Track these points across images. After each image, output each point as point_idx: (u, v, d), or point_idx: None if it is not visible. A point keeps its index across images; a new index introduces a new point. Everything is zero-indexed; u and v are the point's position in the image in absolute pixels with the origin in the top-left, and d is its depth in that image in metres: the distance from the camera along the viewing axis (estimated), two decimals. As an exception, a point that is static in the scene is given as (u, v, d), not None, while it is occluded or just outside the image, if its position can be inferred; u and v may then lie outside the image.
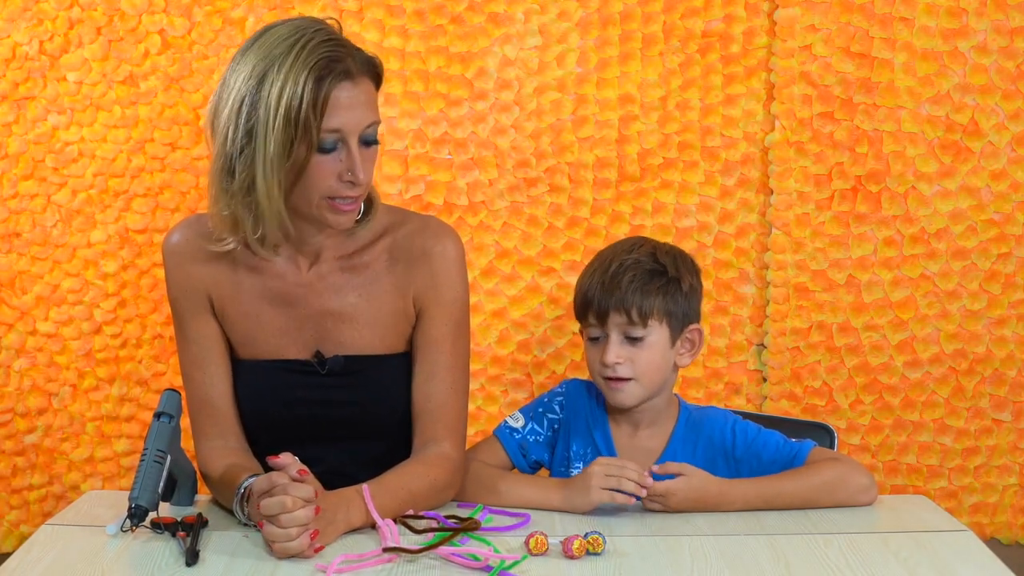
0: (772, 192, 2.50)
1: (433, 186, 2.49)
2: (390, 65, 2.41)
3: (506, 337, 2.53)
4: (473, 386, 2.51)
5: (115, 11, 2.43)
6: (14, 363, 2.51)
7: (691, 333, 1.94)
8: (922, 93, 2.48)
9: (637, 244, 1.96)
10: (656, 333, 1.89)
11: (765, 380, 2.55)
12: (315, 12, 2.43)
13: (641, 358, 1.88)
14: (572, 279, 2.50)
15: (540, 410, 1.99)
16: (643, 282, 1.88)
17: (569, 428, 1.97)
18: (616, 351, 1.88)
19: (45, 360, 2.51)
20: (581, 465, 1.94)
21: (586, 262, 2.49)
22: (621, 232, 2.49)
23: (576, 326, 2.51)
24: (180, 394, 1.74)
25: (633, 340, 1.88)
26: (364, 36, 2.43)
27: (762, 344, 2.55)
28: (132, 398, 2.53)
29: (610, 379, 1.89)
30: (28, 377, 2.51)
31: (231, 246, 1.77)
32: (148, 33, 2.44)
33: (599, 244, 2.50)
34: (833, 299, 2.52)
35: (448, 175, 2.49)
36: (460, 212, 2.49)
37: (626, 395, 1.90)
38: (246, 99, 1.66)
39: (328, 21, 1.73)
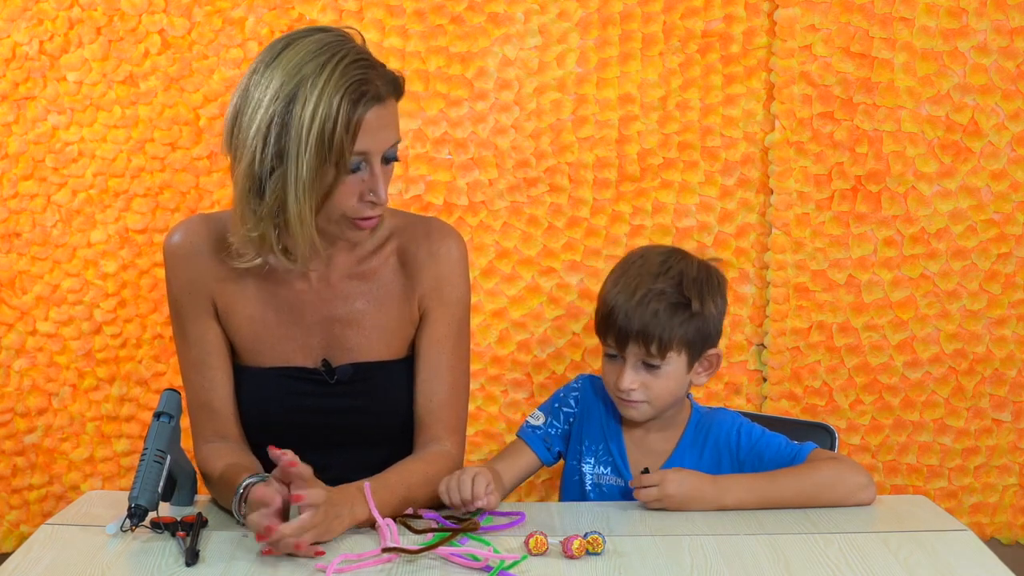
0: (772, 192, 2.50)
1: (433, 186, 2.49)
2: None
3: (506, 337, 2.53)
4: (473, 386, 2.51)
5: (115, 11, 2.43)
6: (14, 363, 2.51)
7: (710, 356, 1.94)
8: (922, 93, 2.48)
9: (665, 267, 1.91)
10: (674, 363, 1.89)
11: (765, 380, 2.55)
12: (315, 13, 2.43)
13: (656, 385, 1.89)
14: (572, 279, 2.51)
15: (556, 405, 2.02)
16: (667, 316, 1.86)
17: (582, 423, 1.99)
18: (631, 377, 1.88)
19: (45, 360, 2.51)
20: (592, 460, 1.96)
21: (586, 262, 2.51)
22: (621, 232, 2.49)
23: (576, 326, 2.52)
24: (180, 394, 1.73)
25: (650, 367, 1.89)
26: (364, 36, 2.42)
27: (762, 344, 2.55)
28: (132, 398, 2.53)
29: (622, 399, 1.90)
30: (28, 377, 2.51)
31: (256, 262, 1.76)
32: (148, 33, 2.44)
33: (599, 244, 2.50)
34: (833, 299, 2.52)
35: (448, 175, 2.49)
36: (460, 212, 2.49)
37: (637, 413, 1.92)
38: (275, 120, 1.64)
39: (348, 31, 1.72)
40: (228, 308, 1.81)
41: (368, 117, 1.65)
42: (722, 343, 2.50)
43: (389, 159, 1.71)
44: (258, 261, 1.75)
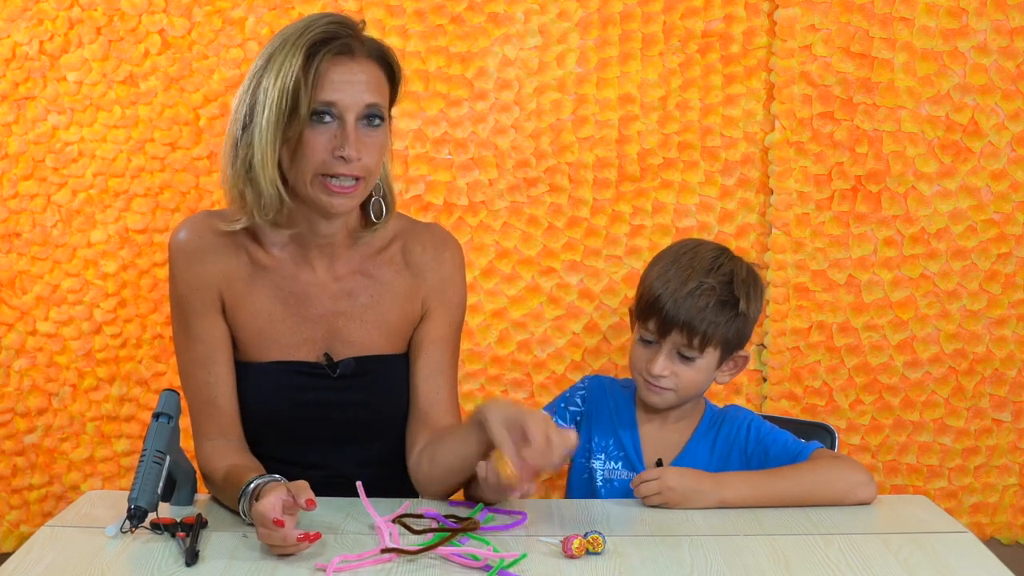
0: (772, 192, 2.50)
1: (433, 186, 2.49)
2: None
3: (506, 337, 2.53)
4: (473, 386, 2.52)
5: (115, 11, 2.43)
6: (14, 363, 2.51)
7: (738, 358, 1.98)
8: (922, 93, 2.48)
9: (717, 264, 1.94)
10: (708, 357, 1.92)
11: (765, 380, 2.55)
12: (315, 12, 2.43)
13: (686, 375, 1.92)
14: (572, 279, 2.51)
15: (563, 405, 2.04)
16: (714, 313, 1.90)
17: (591, 420, 2.01)
18: (665, 364, 1.91)
19: (45, 360, 2.51)
20: (602, 456, 1.98)
21: (586, 262, 2.51)
22: (621, 232, 2.50)
23: (576, 326, 2.52)
24: (179, 394, 1.73)
25: (684, 358, 1.91)
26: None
27: (762, 344, 2.55)
28: (132, 398, 2.53)
29: (650, 383, 1.91)
30: (28, 377, 2.51)
31: (242, 224, 1.79)
32: (148, 33, 2.44)
33: (599, 244, 2.50)
34: (833, 299, 2.52)
35: (448, 175, 2.49)
36: (460, 212, 2.49)
37: (661, 400, 1.95)
38: (253, 79, 1.72)
39: (357, 21, 1.77)
40: (235, 303, 1.82)
41: (332, 68, 1.70)
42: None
43: (371, 124, 1.73)
44: (243, 223, 1.79)
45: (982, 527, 2.58)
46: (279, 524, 1.51)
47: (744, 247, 2.52)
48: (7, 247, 2.48)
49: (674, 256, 1.97)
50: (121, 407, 2.53)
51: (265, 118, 1.69)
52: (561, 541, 1.58)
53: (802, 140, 2.48)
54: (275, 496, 1.54)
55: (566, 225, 2.51)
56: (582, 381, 2.06)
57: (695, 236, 2.49)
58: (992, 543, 2.59)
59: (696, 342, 1.89)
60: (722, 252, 1.98)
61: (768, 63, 2.48)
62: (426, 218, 2.43)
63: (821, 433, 2.11)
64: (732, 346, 1.94)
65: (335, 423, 1.85)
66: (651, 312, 1.92)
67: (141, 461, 1.66)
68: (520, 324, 2.53)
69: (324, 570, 1.51)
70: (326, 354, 1.84)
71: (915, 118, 2.48)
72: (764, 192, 2.52)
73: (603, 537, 1.58)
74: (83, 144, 2.46)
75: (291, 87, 1.67)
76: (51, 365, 2.51)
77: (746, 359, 1.99)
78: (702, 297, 1.89)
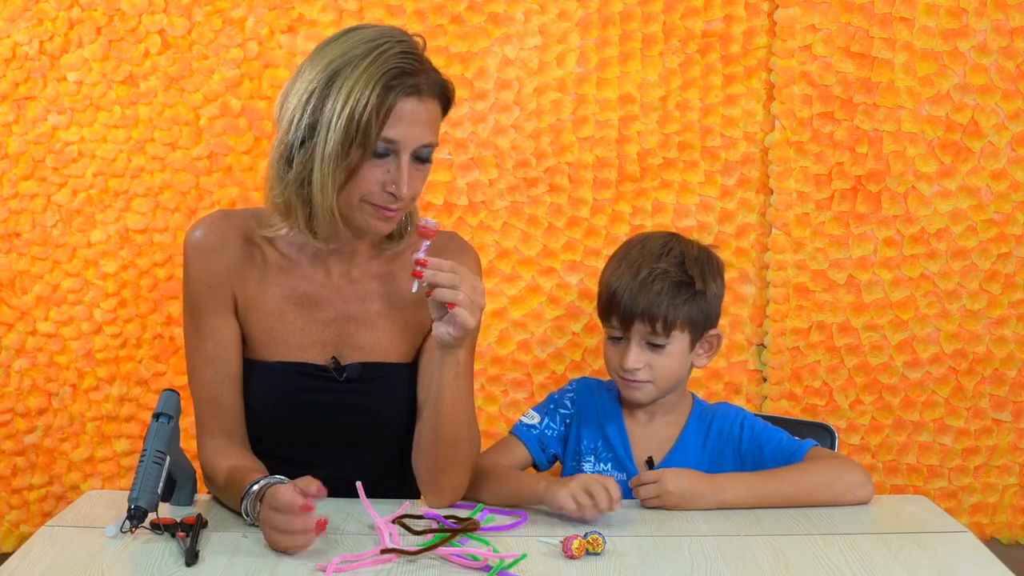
0: (772, 192, 2.50)
1: (433, 186, 2.48)
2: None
3: (506, 337, 2.53)
4: (474, 386, 2.51)
5: (115, 11, 2.43)
6: (14, 363, 2.51)
7: (711, 337, 1.97)
8: (922, 93, 2.48)
9: (666, 248, 1.95)
10: (677, 341, 1.92)
11: (765, 380, 2.55)
12: (315, 13, 2.43)
13: (660, 364, 1.92)
14: (572, 279, 2.51)
15: (552, 406, 2.03)
16: (671, 295, 1.90)
17: (580, 422, 2.01)
18: (636, 357, 1.91)
19: (45, 360, 2.51)
20: (592, 459, 1.98)
21: (586, 262, 2.51)
22: (621, 232, 2.49)
23: (576, 326, 2.52)
24: (179, 395, 1.73)
25: (654, 347, 1.91)
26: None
27: (762, 344, 2.55)
28: (132, 398, 2.53)
29: (626, 379, 1.92)
30: (28, 377, 2.51)
31: (282, 232, 1.80)
32: (148, 33, 2.44)
33: (599, 244, 2.50)
34: (833, 299, 2.52)
35: (448, 175, 2.49)
36: (460, 212, 2.49)
37: (642, 394, 1.95)
38: (315, 93, 1.69)
39: (415, 38, 1.75)
40: (248, 302, 1.83)
41: (402, 106, 1.69)
42: (722, 343, 2.52)
43: (422, 159, 1.74)
44: (283, 231, 1.80)
45: (982, 527, 2.58)
46: (308, 508, 1.53)
47: (744, 247, 2.52)
48: (7, 247, 2.48)
49: (625, 250, 1.99)
50: (121, 407, 2.53)
51: (331, 146, 1.67)
52: (561, 541, 1.58)
53: (802, 140, 2.48)
54: (291, 487, 1.55)
55: (566, 225, 2.51)
56: (571, 383, 2.06)
57: (695, 236, 2.49)
58: (992, 543, 2.59)
59: (660, 327, 1.89)
60: (671, 237, 1.99)
61: (768, 63, 2.48)
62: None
63: (821, 433, 2.11)
64: (700, 327, 1.94)
65: (337, 426, 1.85)
66: (611, 308, 1.93)
67: (141, 461, 1.66)
68: (520, 324, 2.53)
69: (324, 570, 1.51)
70: (333, 358, 1.85)
71: (915, 118, 2.48)
72: (764, 192, 2.52)
73: (603, 537, 1.58)
74: (83, 144, 2.46)
75: (362, 120, 1.66)
76: (51, 365, 2.51)
77: (719, 338, 1.99)
78: (656, 282, 1.90)
